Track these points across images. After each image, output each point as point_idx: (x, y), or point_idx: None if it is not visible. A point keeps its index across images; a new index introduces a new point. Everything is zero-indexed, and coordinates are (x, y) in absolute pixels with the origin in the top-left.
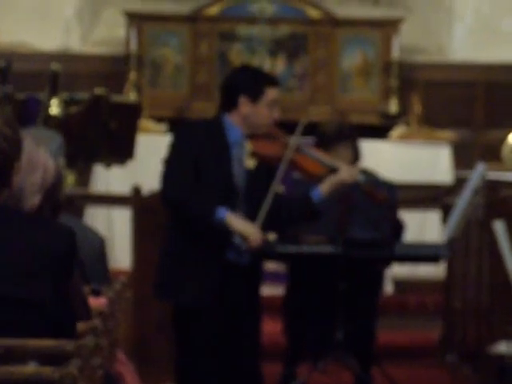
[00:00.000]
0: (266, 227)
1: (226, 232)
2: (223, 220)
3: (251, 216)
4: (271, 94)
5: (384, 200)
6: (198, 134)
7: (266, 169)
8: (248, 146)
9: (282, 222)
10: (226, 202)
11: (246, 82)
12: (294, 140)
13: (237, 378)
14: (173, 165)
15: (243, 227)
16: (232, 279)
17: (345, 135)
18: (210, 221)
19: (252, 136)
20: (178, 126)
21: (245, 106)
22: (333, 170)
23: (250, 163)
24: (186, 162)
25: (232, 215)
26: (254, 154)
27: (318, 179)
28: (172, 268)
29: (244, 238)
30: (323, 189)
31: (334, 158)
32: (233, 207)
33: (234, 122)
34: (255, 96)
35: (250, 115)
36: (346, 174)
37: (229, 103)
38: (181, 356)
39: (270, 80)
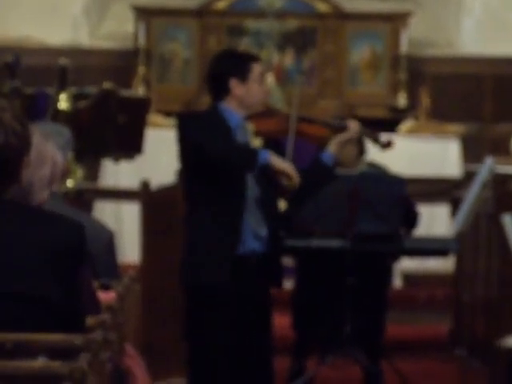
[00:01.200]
0: (288, 200)
1: (237, 227)
2: (267, 160)
3: (265, 197)
4: (257, 68)
5: (389, 143)
6: (203, 123)
7: (273, 145)
8: (250, 127)
9: (301, 192)
10: (237, 188)
11: (232, 65)
12: (295, 110)
13: (247, 371)
14: (198, 137)
15: (286, 165)
16: (247, 270)
17: None
18: (255, 162)
19: (251, 116)
20: (180, 117)
21: (237, 87)
22: (338, 130)
23: (257, 143)
24: (208, 131)
25: (273, 155)
26: (258, 133)
27: (326, 142)
28: (188, 253)
29: (286, 176)
30: (331, 149)
31: (338, 152)
32: (245, 192)
33: (231, 108)
34: (243, 75)
35: (244, 96)
36: (352, 130)
37: (221, 90)
38: (193, 347)
39: (252, 56)
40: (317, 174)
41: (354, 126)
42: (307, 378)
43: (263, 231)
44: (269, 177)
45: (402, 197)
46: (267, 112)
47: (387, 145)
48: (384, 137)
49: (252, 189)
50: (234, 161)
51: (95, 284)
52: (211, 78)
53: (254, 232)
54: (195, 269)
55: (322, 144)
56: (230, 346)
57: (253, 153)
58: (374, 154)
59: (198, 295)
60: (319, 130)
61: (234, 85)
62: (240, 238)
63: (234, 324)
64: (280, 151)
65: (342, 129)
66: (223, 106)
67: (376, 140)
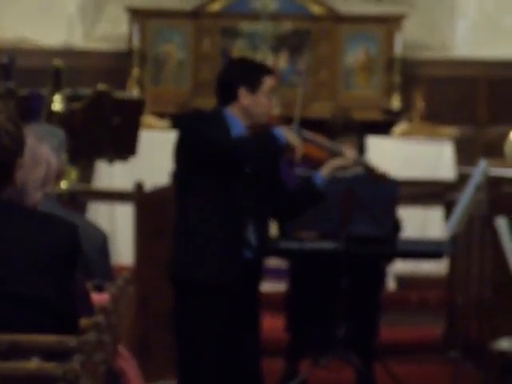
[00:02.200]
0: (278, 218)
1: (242, 230)
2: (282, 135)
3: (259, 205)
4: (269, 82)
5: (383, 175)
6: (212, 125)
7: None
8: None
9: (291, 210)
10: (234, 193)
11: (244, 74)
12: (294, 127)
13: (237, 373)
14: (216, 139)
15: (295, 138)
16: (243, 273)
17: (351, 129)
18: (275, 142)
19: (252, 127)
20: (180, 117)
21: (245, 97)
22: (335, 154)
23: None
24: (221, 132)
25: (284, 129)
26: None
27: (321, 163)
28: (191, 247)
29: (291, 149)
30: (324, 172)
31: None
32: (242, 197)
33: (234, 115)
34: (254, 86)
35: (250, 106)
36: (347, 158)
37: (228, 96)
38: (184, 347)
39: (266, 69)
40: (307, 195)
41: (349, 155)
42: (300, 381)
43: (253, 239)
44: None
45: (395, 199)
46: (269, 124)
47: (380, 177)
48: (379, 169)
49: (245, 198)
50: (255, 144)
51: (89, 285)
52: (221, 81)
53: (245, 239)
54: (196, 267)
55: (316, 165)
56: (220, 347)
57: (268, 137)
58: (367, 154)
59: (195, 293)
60: (316, 152)
61: (243, 94)
62: (245, 242)
63: (225, 325)
64: (276, 162)
65: (338, 154)
66: (227, 112)
67: (371, 171)
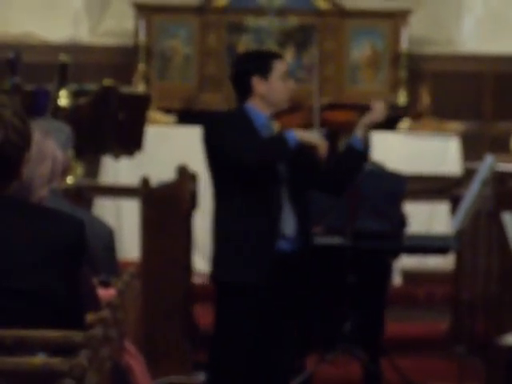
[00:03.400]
0: (330, 193)
1: (276, 223)
2: (296, 139)
3: (295, 195)
4: (280, 66)
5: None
6: (226, 126)
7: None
8: (275, 126)
9: (339, 182)
10: (268, 186)
11: (253, 63)
12: (316, 100)
13: (267, 375)
14: (230, 149)
15: (313, 137)
16: (281, 267)
17: None
18: (289, 148)
19: (276, 115)
20: (203, 120)
21: (259, 85)
22: (365, 111)
23: None
24: (236, 139)
25: (298, 130)
26: (284, 130)
27: (353, 125)
28: (224, 248)
29: (314, 147)
30: (358, 133)
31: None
32: (277, 190)
33: (256, 107)
34: (265, 72)
35: (266, 93)
36: (377, 111)
37: (244, 89)
38: (215, 346)
39: (274, 54)
40: (350, 161)
41: (379, 107)
42: (307, 376)
43: (290, 230)
44: (303, 154)
45: (402, 194)
46: (291, 108)
47: (416, 116)
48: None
49: (283, 188)
50: (272, 159)
51: (95, 281)
52: (234, 78)
53: (281, 231)
54: (233, 266)
55: (349, 128)
56: (250, 348)
57: (282, 140)
58: (373, 150)
59: (235, 292)
60: (344, 115)
61: (256, 82)
62: (279, 236)
63: (254, 327)
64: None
65: (366, 110)
66: (249, 106)
67: (403, 114)
